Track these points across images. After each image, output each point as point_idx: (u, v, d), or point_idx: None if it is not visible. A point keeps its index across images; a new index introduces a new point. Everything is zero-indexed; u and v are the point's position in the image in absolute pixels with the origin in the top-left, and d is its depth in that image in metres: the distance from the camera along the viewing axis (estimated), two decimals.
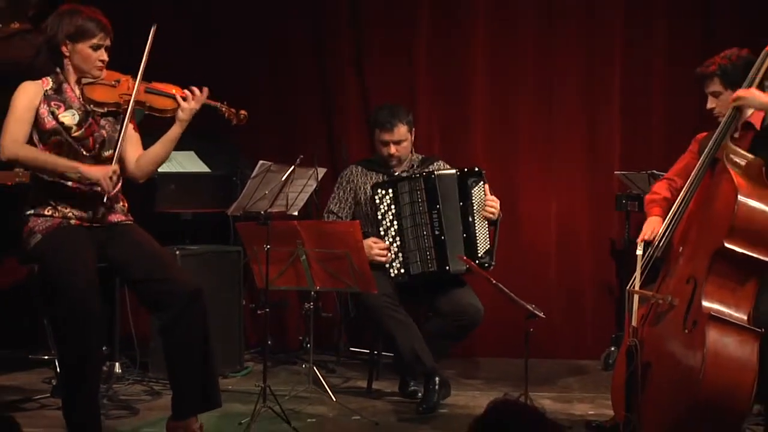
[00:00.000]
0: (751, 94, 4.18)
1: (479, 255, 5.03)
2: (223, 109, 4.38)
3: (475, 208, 5.08)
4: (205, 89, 4.27)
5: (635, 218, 5.84)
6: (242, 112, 4.41)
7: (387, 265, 5.08)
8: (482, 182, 5.11)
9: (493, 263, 5.06)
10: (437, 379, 4.96)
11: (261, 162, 5.35)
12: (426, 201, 5.07)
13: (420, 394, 5.03)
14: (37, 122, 4.16)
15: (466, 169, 5.13)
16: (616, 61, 6.27)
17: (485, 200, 5.08)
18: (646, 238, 4.40)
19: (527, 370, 4.54)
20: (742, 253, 4.12)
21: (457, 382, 5.57)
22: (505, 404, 2.60)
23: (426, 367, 4.97)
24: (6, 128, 4.14)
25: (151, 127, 4.46)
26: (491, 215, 5.09)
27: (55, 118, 4.16)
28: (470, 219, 5.06)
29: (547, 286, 6.20)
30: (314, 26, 6.44)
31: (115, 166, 4.15)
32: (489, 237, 5.11)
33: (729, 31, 5.91)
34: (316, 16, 6.44)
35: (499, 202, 5.11)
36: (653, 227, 4.43)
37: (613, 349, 5.76)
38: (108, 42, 4.20)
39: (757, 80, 4.29)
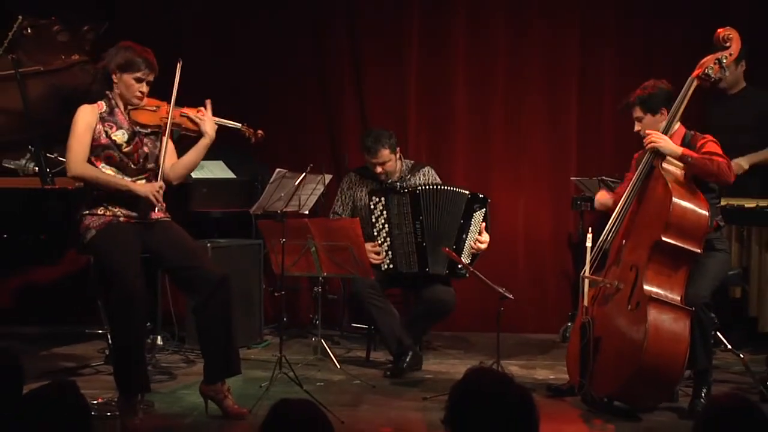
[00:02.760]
0: (664, 140, 4.25)
1: (458, 266, 4.99)
2: (244, 129, 4.42)
3: (471, 228, 5.06)
4: (208, 102, 4.31)
5: (588, 216, 5.87)
6: (259, 131, 4.44)
7: (380, 263, 5.10)
8: (484, 209, 5.11)
9: (467, 275, 4.96)
10: (410, 353, 4.99)
11: (278, 170, 5.36)
12: (411, 213, 5.07)
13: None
14: (92, 138, 4.18)
15: (475, 194, 5.11)
16: (573, 86, 6.27)
17: (479, 237, 5.07)
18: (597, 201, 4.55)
19: (499, 342, 4.57)
20: (676, 245, 4.16)
21: (440, 353, 5.61)
22: (480, 371, 2.63)
23: (403, 344, 4.99)
24: (70, 149, 4.15)
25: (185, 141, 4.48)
26: (477, 250, 5.08)
27: (108, 136, 4.18)
28: (464, 236, 5.06)
29: (515, 273, 6.20)
30: (320, 59, 6.40)
31: (160, 182, 4.16)
32: (470, 255, 5.08)
33: (666, 65, 5.94)
34: (322, 50, 6.40)
35: (487, 242, 5.09)
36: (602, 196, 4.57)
37: (569, 324, 5.76)
38: (151, 77, 4.19)
39: (684, 104, 4.34)
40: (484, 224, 5.11)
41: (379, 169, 5.22)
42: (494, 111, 6.32)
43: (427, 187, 5.14)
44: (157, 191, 4.16)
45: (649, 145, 4.29)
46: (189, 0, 6.37)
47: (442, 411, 2.47)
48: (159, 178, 4.20)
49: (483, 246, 5.10)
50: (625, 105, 4.49)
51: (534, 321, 6.21)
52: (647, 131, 4.33)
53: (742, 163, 5.21)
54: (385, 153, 5.19)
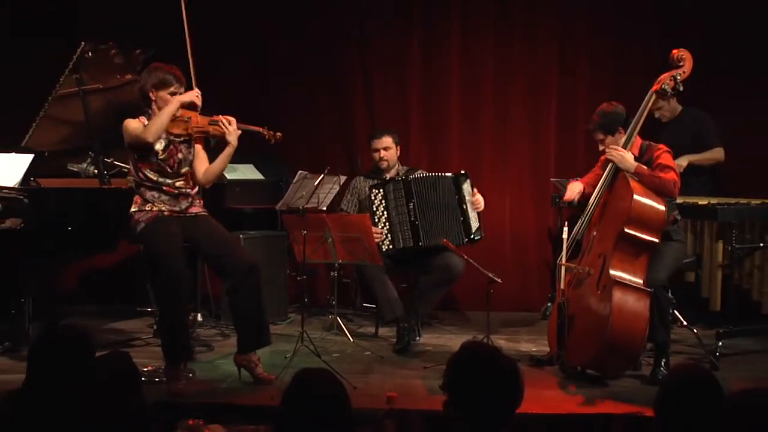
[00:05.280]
0: (622, 156, 4.23)
1: (473, 230, 5.06)
2: (264, 131, 4.39)
3: (466, 198, 5.08)
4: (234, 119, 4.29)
5: (565, 212, 5.85)
6: (278, 134, 4.41)
7: (380, 243, 5.09)
8: (468, 180, 5.12)
9: (483, 234, 5.11)
10: (404, 325, 4.96)
11: (300, 172, 5.37)
12: (404, 197, 5.09)
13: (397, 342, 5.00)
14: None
15: (456, 173, 5.14)
16: (551, 98, 6.24)
17: (473, 198, 5.09)
18: (568, 197, 4.46)
19: (488, 319, 4.58)
20: (637, 236, 4.16)
21: (438, 328, 5.60)
22: (473, 344, 2.63)
23: (395, 314, 4.97)
24: (137, 133, 4.13)
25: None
26: (479, 208, 5.10)
27: None
28: (464, 206, 5.08)
29: (503, 260, 6.18)
30: (335, 76, 6.38)
31: (197, 90, 4.19)
32: (477, 217, 5.11)
33: (630, 81, 5.92)
34: (336, 68, 6.38)
35: (482, 200, 5.13)
36: (574, 189, 4.49)
37: (549, 304, 5.77)
38: (182, 90, 4.20)
39: (644, 116, 4.32)
40: (474, 189, 5.13)
41: (381, 154, 5.23)
42: (483, 120, 6.30)
43: (417, 175, 5.19)
44: (197, 95, 4.18)
45: (609, 158, 4.28)
46: (221, 21, 6.35)
47: (441, 378, 2.47)
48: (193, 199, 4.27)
49: (481, 204, 5.12)
50: (587, 131, 4.51)
51: (519, 301, 6.19)
52: (609, 147, 4.32)
53: (682, 162, 5.22)
54: (388, 139, 5.25)
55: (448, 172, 5.22)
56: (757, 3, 5.80)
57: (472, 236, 5.04)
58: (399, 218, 5.10)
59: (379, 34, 6.36)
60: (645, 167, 4.24)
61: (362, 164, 6.06)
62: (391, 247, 5.12)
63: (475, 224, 5.10)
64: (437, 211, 5.09)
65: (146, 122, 4.19)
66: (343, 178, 5.60)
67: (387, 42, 6.36)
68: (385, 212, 5.14)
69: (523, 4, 6.23)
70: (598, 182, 4.40)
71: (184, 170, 4.28)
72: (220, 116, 4.27)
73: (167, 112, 4.12)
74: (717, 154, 5.47)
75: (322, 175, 5.16)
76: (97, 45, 4.67)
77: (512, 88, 6.26)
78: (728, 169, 5.60)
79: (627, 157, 4.25)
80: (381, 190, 5.16)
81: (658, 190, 4.19)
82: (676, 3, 6.04)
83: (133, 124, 4.17)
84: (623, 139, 4.32)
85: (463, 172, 5.17)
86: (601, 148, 4.43)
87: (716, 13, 5.87)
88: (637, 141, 4.36)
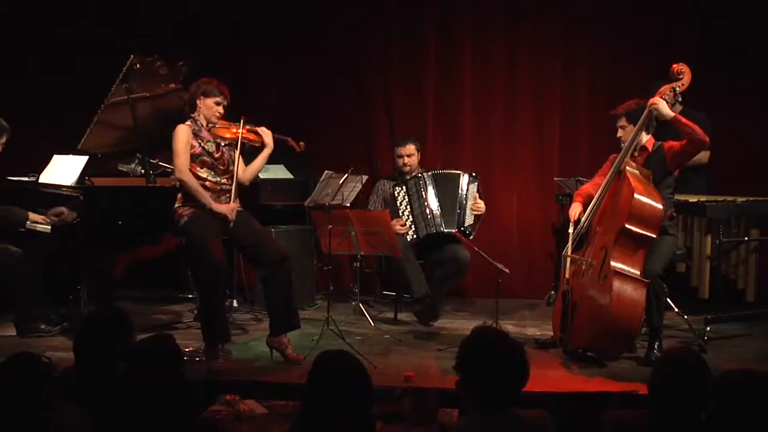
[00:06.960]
0: (661, 103, 4.19)
1: (465, 225, 5.11)
2: (290, 141, 4.55)
3: (468, 196, 5.11)
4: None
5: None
6: (302, 143, 4.58)
7: (405, 234, 5.12)
8: (476, 182, 5.16)
9: (473, 233, 5.15)
10: (428, 300, 5.03)
11: (326, 171, 5.38)
12: (424, 189, 5.13)
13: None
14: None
15: (467, 172, 5.21)
16: (556, 105, 6.21)
17: (475, 202, 5.11)
18: (572, 218, 4.40)
19: (497, 305, 4.57)
20: (637, 231, 4.15)
21: (451, 314, 5.59)
22: (483, 328, 2.64)
23: (423, 291, 5.01)
24: (178, 156, 4.24)
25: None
26: (477, 211, 5.11)
27: (202, 147, 4.28)
28: (464, 202, 5.12)
29: (510, 252, 6.15)
30: (358, 85, 6.38)
31: (235, 204, 4.28)
32: (473, 219, 5.15)
33: (627, 88, 5.88)
34: (360, 79, 6.39)
35: (484, 205, 5.16)
36: (574, 210, 4.43)
37: (552, 292, 5.75)
38: (225, 103, 4.32)
39: (646, 122, 4.30)
40: (478, 195, 5.19)
41: (405, 160, 5.27)
42: (493, 126, 6.28)
43: (432, 172, 5.25)
44: (232, 210, 4.24)
45: (651, 106, 4.21)
46: (254, 34, 6.36)
47: (454, 359, 2.47)
48: (233, 201, 4.28)
49: (481, 209, 5.18)
50: (613, 115, 4.45)
51: (525, 289, 6.17)
52: (651, 100, 4.25)
53: None
54: (411, 147, 5.29)
55: (459, 171, 5.26)
56: (748, 5, 5.74)
57: (463, 229, 5.06)
58: (420, 209, 5.14)
59: (398, 49, 6.34)
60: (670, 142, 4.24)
61: (382, 165, 6.07)
62: (415, 236, 5.14)
63: (468, 221, 5.13)
64: (449, 201, 5.12)
65: (193, 128, 4.30)
66: (365, 178, 5.60)
67: (405, 56, 6.34)
68: (408, 206, 5.17)
69: (529, 19, 6.20)
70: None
71: (231, 168, 4.36)
72: (257, 127, 4.41)
73: (205, 199, 4.22)
74: (702, 156, 5.36)
75: (346, 175, 5.16)
76: (144, 57, 4.72)
77: (519, 97, 6.24)
78: (718, 168, 5.54)
79: (663, 105, 4.19)
80: (403, 187, 5.18)
81: (690, 132, 4.13)
82: (670, 11, 5.99)
83: (181, 143, 4.23)
84: (632, 134, 4.30)
85: (474, 174, 5.22)
86: (618, 135, 4.42)
87: (708, 16, 5.83)
88: (651, 140, 4.36)
